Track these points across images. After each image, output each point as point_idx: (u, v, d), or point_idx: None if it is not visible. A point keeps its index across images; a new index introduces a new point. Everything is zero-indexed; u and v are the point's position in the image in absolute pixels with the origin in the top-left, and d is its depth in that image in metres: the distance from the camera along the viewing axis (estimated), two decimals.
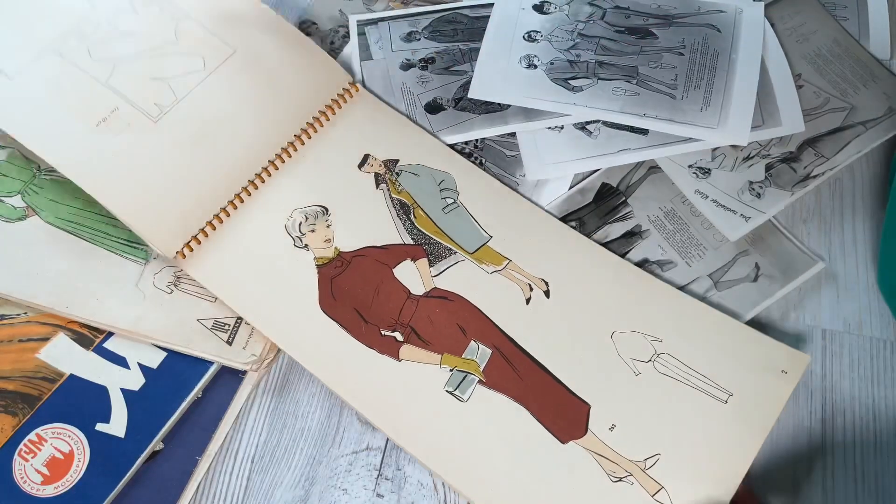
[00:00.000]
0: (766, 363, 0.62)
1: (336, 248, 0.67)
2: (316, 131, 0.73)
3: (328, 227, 0.68)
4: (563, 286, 0.66)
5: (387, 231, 0.69)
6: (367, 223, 0.69)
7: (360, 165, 0.72)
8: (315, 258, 0.67)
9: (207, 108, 0.72)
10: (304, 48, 0.76)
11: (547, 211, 0.71)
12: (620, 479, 0.58)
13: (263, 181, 0.70)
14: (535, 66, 0.78)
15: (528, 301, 0.66)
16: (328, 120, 0.74)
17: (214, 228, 0.67)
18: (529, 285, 0.66)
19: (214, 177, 0.69)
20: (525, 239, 0.69)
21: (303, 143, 0.72)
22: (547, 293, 0.66)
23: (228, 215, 0.68)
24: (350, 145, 0.73)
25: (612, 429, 0.61)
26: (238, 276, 0.66)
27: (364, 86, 0.78)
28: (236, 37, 0.75)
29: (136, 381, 0.63)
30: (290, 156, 0.71)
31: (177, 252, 0.66)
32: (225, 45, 0.74)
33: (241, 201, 0.69)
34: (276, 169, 0.71)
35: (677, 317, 0.65)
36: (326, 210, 0.69)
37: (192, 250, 0.66)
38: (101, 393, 0.62)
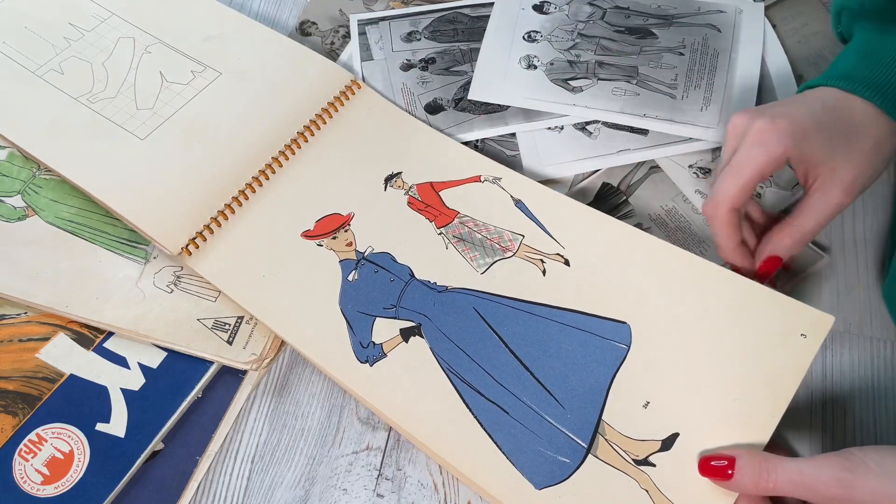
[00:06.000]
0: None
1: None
2: (319, 128, 0.74)
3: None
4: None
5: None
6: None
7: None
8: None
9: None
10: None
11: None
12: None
13: (268, 178, 0.71)
14: (535, 67, 0.78)
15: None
16: (331, 117, 0.74)
17: (220, 225, 0.68)
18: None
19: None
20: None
21: (306, 140, 0.73)
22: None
23: (233, 212, 0.69)
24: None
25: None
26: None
27: (366, 83, 0.78)
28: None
29: (136, 380, 0.63)
30: (293, 153, 0.72)
31: (182, 248, 0.66)
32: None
33: (246, 198, 0.69)
34: (280, 166, 0.71)
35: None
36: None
37: (197, 247, 0.67)
38: (101, 393, 0.62)
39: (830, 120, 0.58)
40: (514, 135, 0.75)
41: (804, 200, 0.59)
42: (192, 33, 0.80)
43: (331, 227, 0.69)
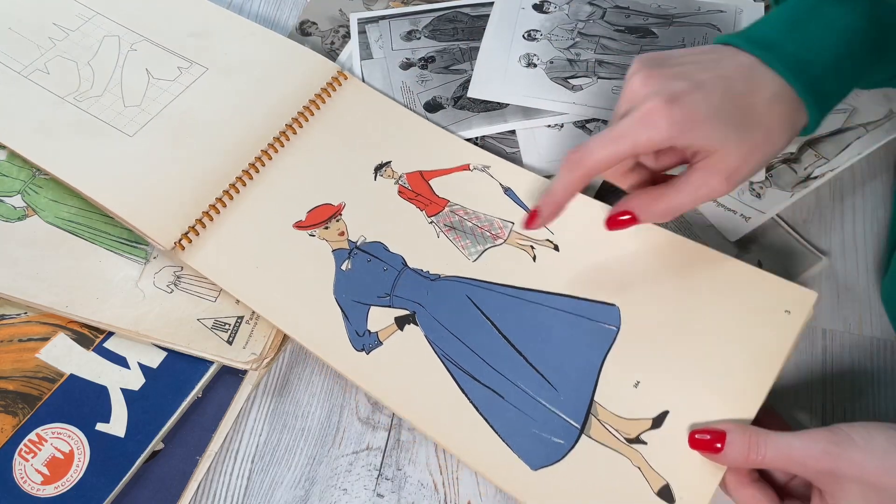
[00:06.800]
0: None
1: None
2: (307, 120, 0.75)
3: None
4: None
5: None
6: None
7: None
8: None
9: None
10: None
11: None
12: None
13: (258, 171, 0.71)
14: (535, 65, 0.78)
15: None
16: (318, 109, 0.75)
17: (212, 219, 0.68)
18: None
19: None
20: None
21: (294, 132, 0.74)
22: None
23: (225, 206, 0.69)
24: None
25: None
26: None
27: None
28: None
29: (136, 380, 0.63)
30: (282, 145, 0.73)
31: (175, 243, 0.67)
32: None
33: (237, 191, 0.70)
34: (270, 159, 0.72)
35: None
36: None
37: (190, 241, 0.67)
38: (101, 393, 0.62)
39: (732, 107, 0.54)
40: (513, 132, 0.75)
41: (685, 175, 0.56)
42: (178, 30, 0.81)
43: (322, 217, 0.69)
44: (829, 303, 0.67)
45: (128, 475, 0.60)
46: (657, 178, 0.61)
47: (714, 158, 0.54)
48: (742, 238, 0.69)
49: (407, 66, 0.80)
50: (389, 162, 0.72)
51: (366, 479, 0.62)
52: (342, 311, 0.65)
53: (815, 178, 0.71)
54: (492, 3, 0.83)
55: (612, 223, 0.59)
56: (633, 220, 0.59)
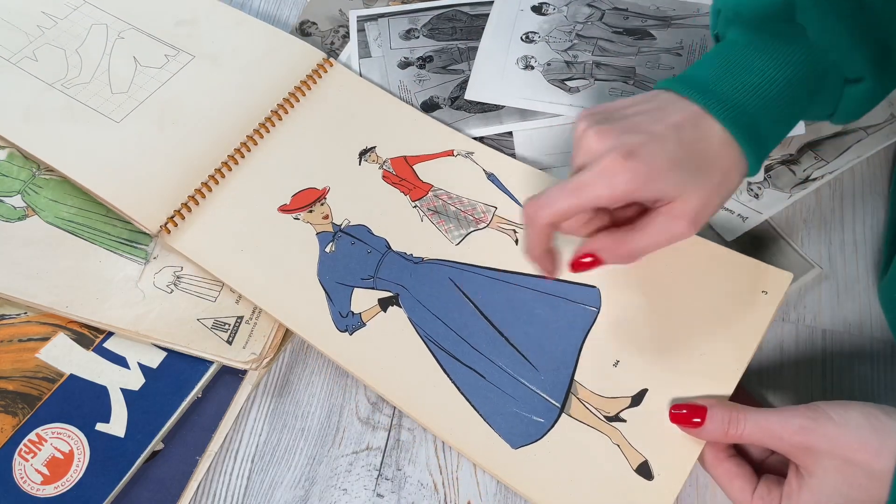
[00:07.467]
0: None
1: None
2: (292, 106, 0.76)
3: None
4: None
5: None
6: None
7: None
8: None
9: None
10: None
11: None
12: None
13: (243, 156, 0.72)
14: (532, 67, 0.78)
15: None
16: (304, 95, 0.76)
17: (197, 203, 0.69)
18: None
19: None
20: None
21: (280, 119, 0.75)
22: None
23: (210, 190, 0.70)
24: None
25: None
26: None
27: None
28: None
29: (136, 380, 0.63)
30: (267, 131, 0.74)
31: (161, 227, 0.68)
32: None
33: (223, 176, 0.71)
34: (255, 144, 0.73)
35: None
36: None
37: (176, 225, 0.68)
38: (101, 393, 0.62)
39: (687, 155, 0.54)
40: (510, 133, 0.76)
41: (648, 218, 0.56)
42: (165, 18, 0.82)
43: (307, 200, 0.70)
44: (829, 303, 0.67)
45: (128, 475, 0.60)
46: (617, 222, 0.60)
47: (676, 204, 0.54)
48: (739, 246, 0.69)
49: (405, 65, 0.80)
50: (374, 147, 0.73)
51: (366, 479, 0.62)
52: (326, 292, 0.66)
53: (814, 179, 0.72)
54: (491, 2, 0.83)
55: (576, 266, 0.58)
56: (597, 263, 0.58)
